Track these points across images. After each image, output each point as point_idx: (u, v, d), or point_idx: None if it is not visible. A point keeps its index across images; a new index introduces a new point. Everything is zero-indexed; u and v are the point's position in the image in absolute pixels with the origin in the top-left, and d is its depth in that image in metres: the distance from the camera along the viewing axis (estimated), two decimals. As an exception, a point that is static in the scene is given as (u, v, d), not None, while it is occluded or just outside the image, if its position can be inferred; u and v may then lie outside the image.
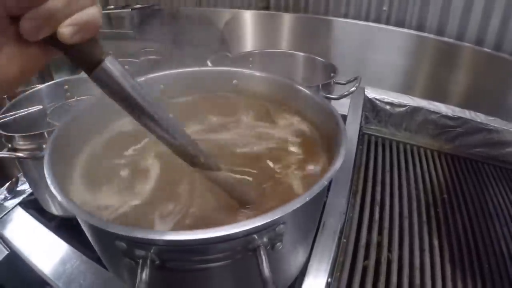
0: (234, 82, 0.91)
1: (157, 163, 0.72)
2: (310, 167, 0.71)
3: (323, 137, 0.76)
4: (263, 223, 0.42)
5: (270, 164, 0.72)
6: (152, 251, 0.44)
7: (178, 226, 0.57)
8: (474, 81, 1.49)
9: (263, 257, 0.44)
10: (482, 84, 1.48)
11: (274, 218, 0.43)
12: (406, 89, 1.62)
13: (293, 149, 0.77)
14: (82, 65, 0.39)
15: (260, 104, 0.89)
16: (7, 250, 0.90)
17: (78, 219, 0.52)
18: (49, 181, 0.50)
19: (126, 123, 0.81)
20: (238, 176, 0.67)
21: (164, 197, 0.64)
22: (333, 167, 0.52)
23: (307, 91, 0.80)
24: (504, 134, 1.27)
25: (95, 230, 0.49)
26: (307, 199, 0.45)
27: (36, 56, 0.37)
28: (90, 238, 0.56)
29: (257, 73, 0.89)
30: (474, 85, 1.50)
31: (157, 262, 0.45)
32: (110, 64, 0.39)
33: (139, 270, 0.43)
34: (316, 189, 0.47)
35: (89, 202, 0.63)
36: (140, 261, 0.44)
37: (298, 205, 0.44)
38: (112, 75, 0.40)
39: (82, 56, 0.38)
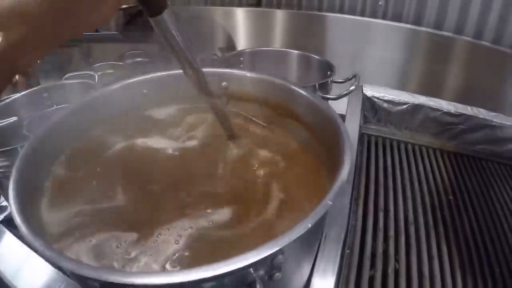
0: (223, 84, 0.85)
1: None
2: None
3: (322, 143, 0.70)
4: (258, 258, 0.37)
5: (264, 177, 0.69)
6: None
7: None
8: (472, 75, 1.47)
9: (259, 293, 0.39)
10: (480, 78, 1.45)
11: (269, 253, 0.37)
12: (403, 85, 1.60)
13: (288, 154, 0.74)
14: (150, 9, 0.51)
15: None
16: (-13, 270, 0.85)
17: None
18: (13, 211, 0.46)
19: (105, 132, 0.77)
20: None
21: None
22: (335, 185, 0.46)
23: (303, 92, 0.74)
24: (507, 130, 1.24)
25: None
26: (309, 225, 0.39)
27: None
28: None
29: (248, 74, 0.83)
30: (472, 80, 1.47)
31: (137, 302, 0.39)
32: (168, 15, 0.53)
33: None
34: (317, 212, 0.41)
35: (63, 223, 0.58)
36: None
37: (299, 234, 0.38)
38: (167, 23, 0.54)
39: (154, 3, 0.50)
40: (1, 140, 0.86)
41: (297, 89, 0.76)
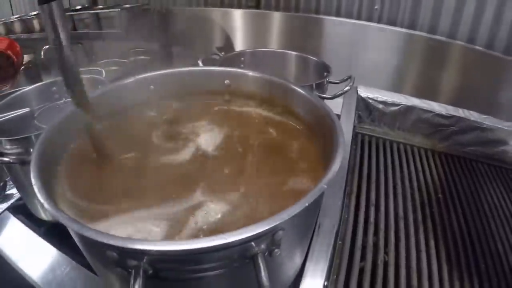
0: (226, 82, 0.88)
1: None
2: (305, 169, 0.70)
3: (319, 137, 0.73)
4: (261, 230, 0.41)
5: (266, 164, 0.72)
6: (144, 260, 0.42)
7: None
8: (465, 79, 1.49)
9: (261, 265, 0.43)
10: (473, 82, 1.48)
11: (272, 225, 0.41)
12: (398, 88, 1.62)
13: (287, 149, 0.76)
14: None
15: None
16: (-6, 255, 0.88)
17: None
18: (36, 189, 0.49)
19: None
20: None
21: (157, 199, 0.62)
22: (331, 170, 0.50)
23: (301, 91, 0.78)
24: (497, 132, 1.27)
25: (86, 240, 0.47)
26: (306, 204, 0.43)
27: None
28: (80, 247, 0.55)
29: (250, 73, 0.86)
30: (465, 83, 1.49)
31: (150, 271, 0.43)
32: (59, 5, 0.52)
33: (131, 280, 0.42)
34: (315, 193, 0.45)
35: (78, 206, 0.61)
36: (133, 271, 0.42)
37: (297, 211, 0.43)
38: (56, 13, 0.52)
39: None
40: (14, 128, 0.89)
41: (296, 88, 0.80)
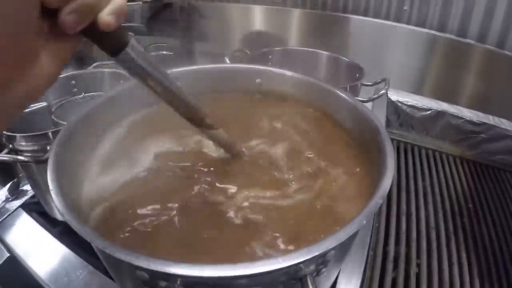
0: (257, 81, 0.84)
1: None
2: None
3: (359, 145, 0.69)
4: (318, 253, 0.37)
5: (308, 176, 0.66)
6: (179, 283, 0.38)
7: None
8: (493, 84, 1.45)
9: (310, 286, 0.39)
10: (501, 88, 1.43)
11: (330, 248, 0.38)
12: (423, 90, 1.58)
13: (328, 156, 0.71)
14: (109, 48, 0.41)
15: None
16: (8, 253, 0.84)
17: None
18: (53, 195, 0.48)
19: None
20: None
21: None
22: (384, 183, 0.47)
23: (344, 96, 0.73)
24: (528, 141, 1.23)
25: (114, 260, 0.43)
26: (364, 222, 0.39)
27: (70, 48, 0.37)
28: (105, 265, 0.53)
29: (288, 73, 0.82)
30: (492, 89, 1.45)
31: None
32: (134, 47, 0.42)
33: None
34: (371, 209, 0.42)
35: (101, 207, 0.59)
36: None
37: (354, 231, 0.39)
38: (134, 57, 0.43)
39: (112, 41, 0.40)
40: (30, 124, 0.86)
41: (338, 92, 0.74)
